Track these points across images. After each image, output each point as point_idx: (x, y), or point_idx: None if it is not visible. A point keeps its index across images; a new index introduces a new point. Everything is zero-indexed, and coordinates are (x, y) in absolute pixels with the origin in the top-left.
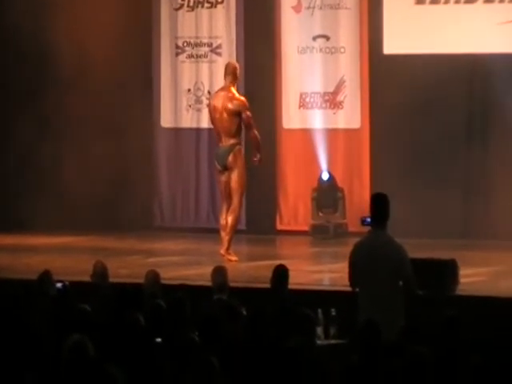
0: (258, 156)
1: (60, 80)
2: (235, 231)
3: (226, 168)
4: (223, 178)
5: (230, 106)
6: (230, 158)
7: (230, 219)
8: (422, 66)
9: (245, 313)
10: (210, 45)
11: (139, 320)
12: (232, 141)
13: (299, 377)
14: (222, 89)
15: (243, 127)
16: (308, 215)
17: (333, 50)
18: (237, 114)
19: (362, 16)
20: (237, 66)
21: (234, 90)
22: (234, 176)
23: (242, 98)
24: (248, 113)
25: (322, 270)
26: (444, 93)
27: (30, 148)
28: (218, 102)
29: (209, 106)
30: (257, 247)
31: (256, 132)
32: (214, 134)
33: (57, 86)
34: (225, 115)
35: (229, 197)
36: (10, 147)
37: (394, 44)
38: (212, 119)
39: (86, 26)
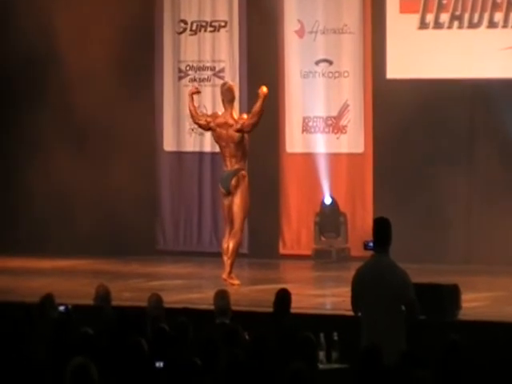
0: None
1: (62, 101)
2: (237, 255)
3: (229, 192)
4: (226, 202)
5: (232, 133)
6: (234, 181)
7: (231, 243)
8: (424, 90)
9: (247, 337)
10: (212, 68)
11: (142, 344)
12: (237, 166)
13: None
14: (224, 117)
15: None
16: (311, 239)
17: (336, 75)
18: (241, 139)
19: (365, 40)
20: (233, 88)
21: (234, 114)
22: (237, 200)
23: (243, 116)
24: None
25: (324, 294)
26: (446, 117)
27: (34, 173)
28: (222, 130)
29: (213, 124)
30: (259, 271)
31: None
32: (216, 158)
33: (57, 108)
34: (231, 144)
35: (231, 221)
36: (14, 173)
37: (397, 68)
38: (217, 140)
39: (88, 50)
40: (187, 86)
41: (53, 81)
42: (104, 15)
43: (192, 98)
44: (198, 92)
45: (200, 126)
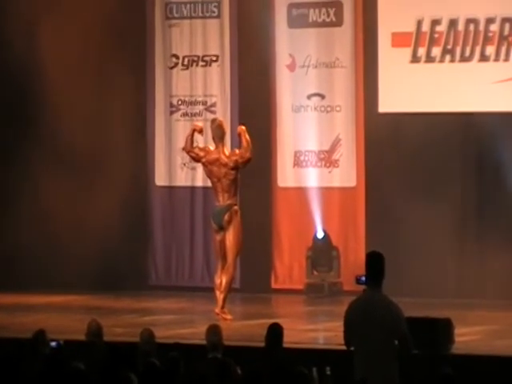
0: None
1: (54, 136)
2: (230, 290)
3: (221, 227)
4: (218, 237)
5: (226, 171)
6: (227, 217)
7: (224, 278)
8: (417, 124)
9: (239, 372)
10: (204, 103)
11: (131, 379)
12: (229, 201)
13: None
14: (216, 153)
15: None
16: (303, 274)
17: (328, 109)
18: (235, 176)
19: (357, 75)
20: (223, 124)
21: (226, 151)
22: (230, 236)
23: (236, 152)
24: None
25: (316, 329)
26: (439, 151)
27: (25, 207)
28: (214, 167)
29: (205, 160)
30: (251, 306)
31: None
32: (208, 192)
33: (47, 140)
34: (223, 180)
35: (224, 256)
36: (7, 206)
37: (389, 103)
38: (209, 176)
39: (78, 82)
40: (179, 121)
41: (42, 110)
42: (95, 47)
43: (193, 133)
44: (201, 132)
45: (191, 157)
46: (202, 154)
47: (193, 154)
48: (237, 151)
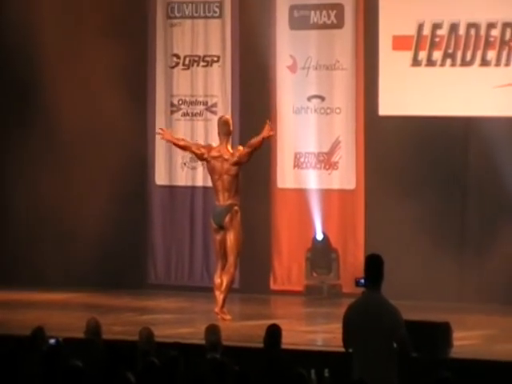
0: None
1: (56, 133)
2: (230, 290)
3: (221, 227)
4: (218, 236)
5: (228, 166)
6: (227, 218)
7: (225, 278)
8: (417, 127)
9: (238, 372)
10: (205, 103)
11: (128, 377)
12: (230, 201)
13: None
14: (219, 150)
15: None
16: (302, 275)
17: (328, 111)
18: (237, 172)
19: (357, 77)
20: (230, 121)
21: (229, 148)
22: (231, 236)
23: (239, 148)
24: (242, 153)
25: (315, 331)
26: (439, 155)
27: (26, 205)
28: (217, 162)
29: (207, 156)
30: (250, 307)
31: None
32: (208, 192)
33: (52, 148)
34: (224, 176)
35: (224, 256)
36: (7, 204)
37: (389, 105)
38: (211, 173)
39: (80, 83)
40: (179, 120)
41: (39, 109)
42: (96, 47)
43: (173, 140)
44: (168, 139)
45: (195, 154)
46: (203, 150)
47: (194, 150)
48: (240, 147)
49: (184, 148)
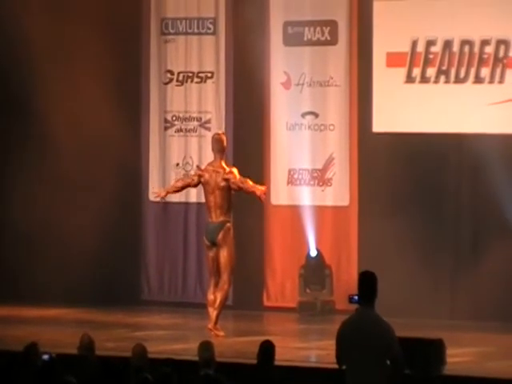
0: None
1: (51, 148)
2: (224, 307)
3: (214, 244)
4: (211, 253)
5: (221, 183)
6: (220, 235)
7: (219, 295)
8: (410, 144)
9: None
10: (199, 119)
11: None
12: (222, 218)
13: None
14: (213, 165)
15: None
16: (295, 292)
17: (322, 128)
18: (227, 188)
19: (351, 94)
20: (224, 139)
21: (223, 164)
22: (224, 253)
23: (233, 170)
24: (236, 178)
25: (308, 347)
26: (433, 171)
27: (20, 221)
28: (211, 179)
29: (200, 178)
30: (244, 323)
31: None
32: (202, 208)
33: (45, 158)
34: (217, 192)
35: (217, 272)
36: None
37: (383, 122)
38: (204, 189)
39: (72, 97)
40: (173, 136)
41: (34, 123)
42: (90, 62)
43: (171, 191)
44: (167, 194)
45: (193, 186)
46: (195, 178)
47: (194, 182)
48: (234, 170)
49: (183, 188)
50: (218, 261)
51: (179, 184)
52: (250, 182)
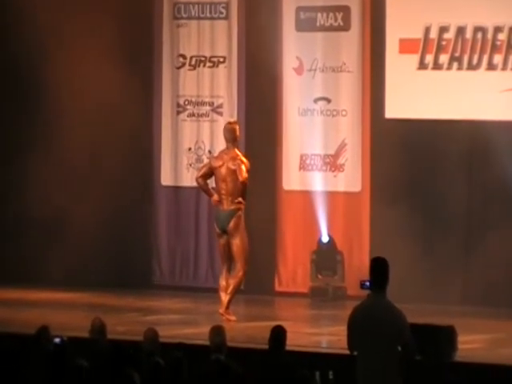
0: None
1: (59, 135)
2: (236, 293)
3: (225, 232)
4: (222, 241)
5: (233, 167)
6: (232, 223)
7: (232, 281)
8: (423, 130)
9: (242, 373)
10: (211, 104)
11: (134, 377)
12: (233, 206)
13: None
14: (226, 152)
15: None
16: (307, 277)
17: (334, 113)
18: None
19: (364, 80)
20: (236, 128)
21: (237, 151)
22: (236, 241)
23: (245, 160)
24: (245, 175)
25: (320, 333)
26: (445, 158)
27: (31, 206)
28: (222, 166)
29: (211, 167)
30: (255, 308)
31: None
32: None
33: (58, 142)
34: (228, 178)
35: (228, 259)
36: (11, 203)
37: (395, 108)
38: (216, 180)
39: (85, 82)
40: (185, 121)
41: (44, 109)
42: (102, 49)
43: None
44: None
45: (211, 175)
46: (207, 170)
47: (209, 172)
48: (244, 160)
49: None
50: (231, 249)
51: (202, 182)
52: (241, 179)
